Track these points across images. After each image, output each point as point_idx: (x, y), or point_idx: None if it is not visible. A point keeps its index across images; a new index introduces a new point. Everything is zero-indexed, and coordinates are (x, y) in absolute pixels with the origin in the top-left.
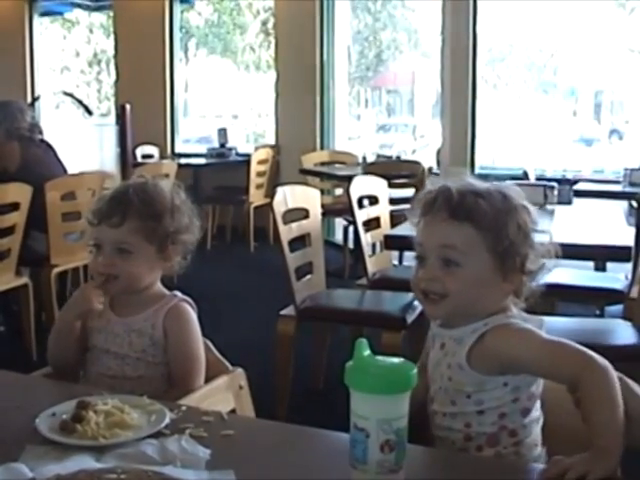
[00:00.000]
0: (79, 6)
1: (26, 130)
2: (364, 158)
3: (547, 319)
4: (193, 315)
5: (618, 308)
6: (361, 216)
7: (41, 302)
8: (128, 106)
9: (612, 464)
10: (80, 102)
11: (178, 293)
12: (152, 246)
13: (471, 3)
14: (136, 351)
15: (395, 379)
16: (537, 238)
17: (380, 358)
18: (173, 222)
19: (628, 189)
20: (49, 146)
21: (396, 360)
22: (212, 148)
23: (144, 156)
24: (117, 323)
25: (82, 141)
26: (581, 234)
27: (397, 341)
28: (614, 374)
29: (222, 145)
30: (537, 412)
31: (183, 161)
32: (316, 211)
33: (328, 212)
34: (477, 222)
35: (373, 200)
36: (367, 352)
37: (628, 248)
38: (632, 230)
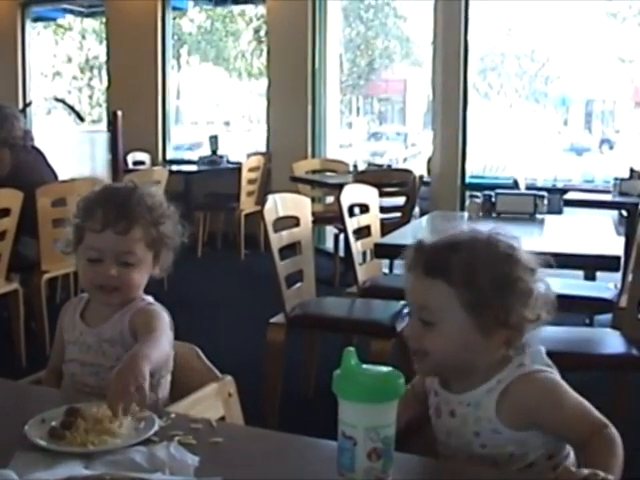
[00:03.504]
0: (72, 12)
1: (20, 138)
2: (355, 166)
3: None
4: (163, 314)
5: (607, 317)
6: (352, 224)
7: (31, 308)
8: (120, 113)
9: None
10: (72, 108)
11: (149, 298)
12: (151, 252)
13: (463, 12)
14: (110, 360)
15: (382, 388)
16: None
17: (368, 367)
18: (168, 227)
19: (618, 199)
20: (39, 152)
21: (384, 369)
22: (203, 155)
23: (135, 163)
24: (89, 334)
25: (73, 147)
26: (571, 243)
27: (387, 349)
28: (621, 445)
29: (213, 152)
30: None
31: (174, 168)
32: (307, 219)
33: (319, 220)
34: (449, 277)
35: (364, 208)
36: (355, 361)
37: (617, 258)
38: (622, 239)
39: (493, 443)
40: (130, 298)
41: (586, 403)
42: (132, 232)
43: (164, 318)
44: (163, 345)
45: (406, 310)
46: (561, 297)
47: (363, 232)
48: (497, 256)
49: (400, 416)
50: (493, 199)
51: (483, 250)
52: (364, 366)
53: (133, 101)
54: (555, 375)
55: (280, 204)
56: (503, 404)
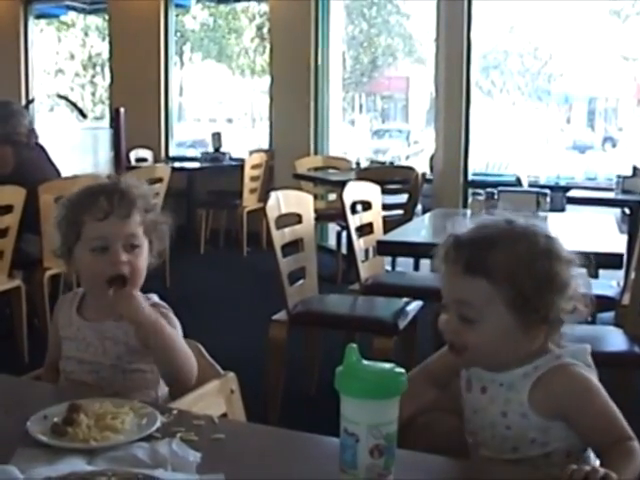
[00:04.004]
0: (74, 9)
1: (24, 136)
2: (358, 163)
3: None
4: (176, 320)
5: (610, 315)
6: (354, 221)
7: (34, 305)
8: (122, 109)
9: None
10: (74, 105)
11: (153, 296)
12: (147, 239)
13: (465, 10)
14: (111, 358)
15: (385, 384)
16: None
17: (370, 363)
18: (157, 215)
19: (621, 196)
20: (42, 149)
21: (386, 365)
22: (206, 152)
23: (138, 159)
24: (88, 329)
25: (76, 144)
26: (573, 241)
27: (389, 346)
28: None
29: (216, 149)
30: None
31: (177, 165)
32: (309, 216)
33: (321, 217)
34: (491, 276)
35: (366, 205)
36: (357, 357)
37: (620, 255)
38: (624, 237)
39: (518, 427)
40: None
41: (617, 412)
42: (133, 216)
43: (178, 325)
44: (189, 353)
45: (409, 300)
46: None
47: (365, 229)
48: (537, 252)
49: (412, 403)
50: (496, 196)
51: (523, 246)
52: (366, 363)
53: (136, 98)
54: (592, 374)
55: (282, 201)
56: (536, 391)
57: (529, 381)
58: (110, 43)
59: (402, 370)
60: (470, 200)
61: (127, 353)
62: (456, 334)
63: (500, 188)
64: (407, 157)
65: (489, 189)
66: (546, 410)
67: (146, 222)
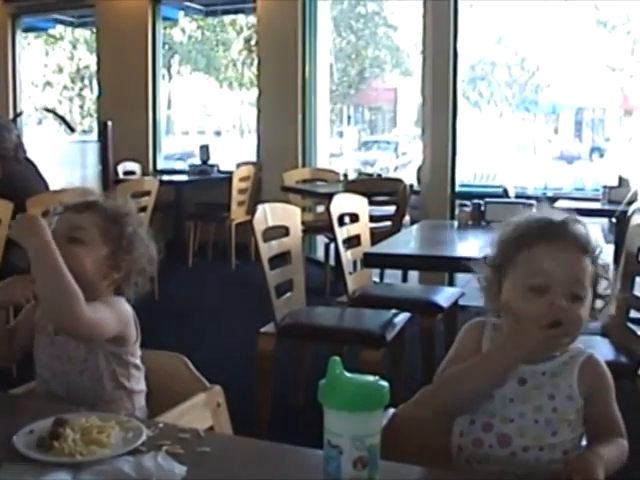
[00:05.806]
0: (62, 22)
1: (11, 150)
2: (345, 175)
3: None
4: (122, 302)
5: (596, 325)
6: (342, 233)
7: None
8: (110, 123)
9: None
10: (62, 119)
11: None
12: (105, 247)
13: (452, 21)
14: (77, 363)
15: (367, 397)
16: None
17: (353, 376)
18: (131, 235)
19: (607, 206)
20: (30, 162)
21: (369, 378)
22: (194, 165)
23: (126, 173)
24: (57, 339)
25: (64, 158)
26: None
27: (377, 358)
28: (624, 453)
29: (204, 162)
30: None
31: (165, 178)
32: (296, 229)
33: (309, 229)
34: (591, 256)
35: (354, 217)
36: (340, 370)
37: (607, 266)
38: (611, 247)
39: (563, 408)
40: (90, 291)
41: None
42: (87, 213)
43: (121, 302)
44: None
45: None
46: None
47: (353, 241)
48: None
49: None
50: (482, 208)
51: None
52: (349, 375)
53: (124, 111)
54: None
55: (270, 214)
56: (582, 374)
57: (574, 367)
58: (98, 56)
59: (385, 383)
60: (457, 211)
61: (90, 352)
62: (565, 311)
63: (487, 199)
64: (395, 168)
65: (476, 200)
66: (586, 390)
67: (107, 227)
